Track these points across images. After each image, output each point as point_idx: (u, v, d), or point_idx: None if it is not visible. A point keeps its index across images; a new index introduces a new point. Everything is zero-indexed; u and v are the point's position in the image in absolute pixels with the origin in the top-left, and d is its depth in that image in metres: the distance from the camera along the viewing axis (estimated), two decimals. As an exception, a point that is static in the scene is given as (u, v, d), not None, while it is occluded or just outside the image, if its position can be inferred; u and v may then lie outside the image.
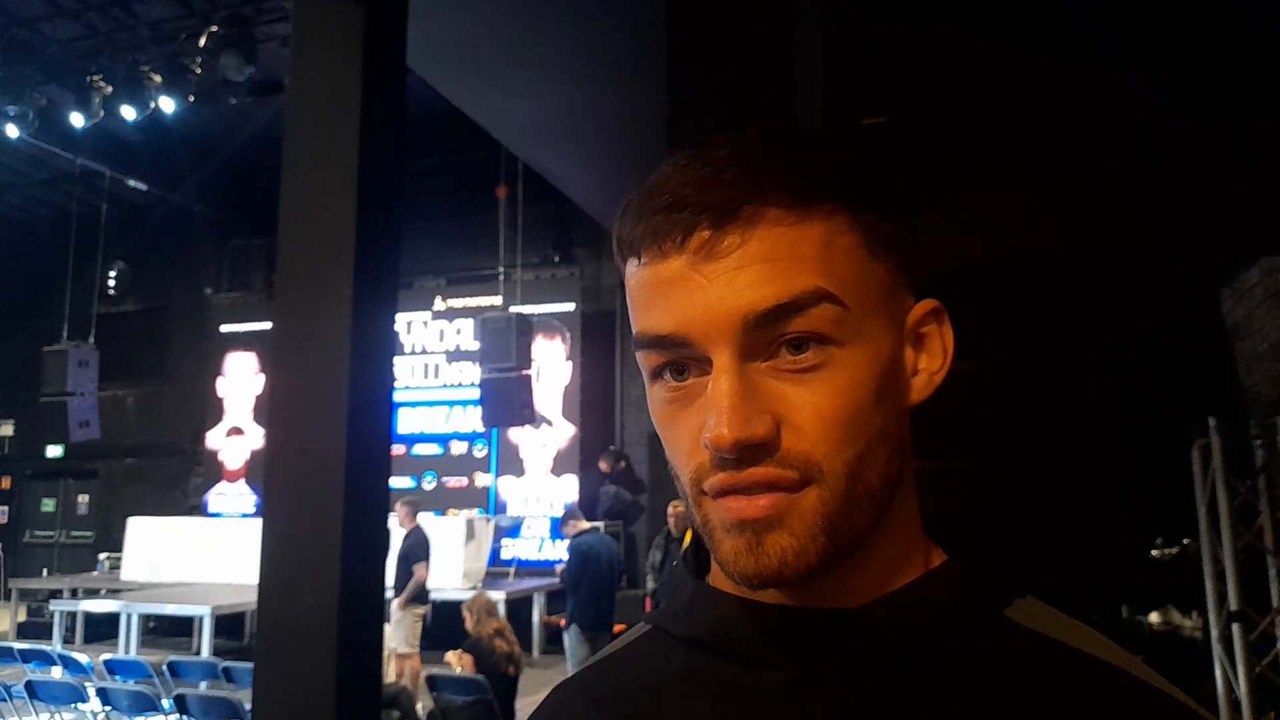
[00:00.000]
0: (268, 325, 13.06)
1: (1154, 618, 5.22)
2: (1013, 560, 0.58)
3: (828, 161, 0.55)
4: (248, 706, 4.75)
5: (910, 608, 0.55)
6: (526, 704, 6.05)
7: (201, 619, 8.98)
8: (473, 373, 10.82)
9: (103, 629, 10.31)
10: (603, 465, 11.47)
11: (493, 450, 11.98)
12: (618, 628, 7.13)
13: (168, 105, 9.07)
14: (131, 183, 12.58)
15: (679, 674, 0.59)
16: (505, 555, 11.27)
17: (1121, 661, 0.54)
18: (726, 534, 0.53)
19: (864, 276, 0.54)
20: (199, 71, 8.67)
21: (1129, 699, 0.52)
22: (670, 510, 7.47)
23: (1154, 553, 5.15)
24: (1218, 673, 4.61)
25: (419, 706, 5.98)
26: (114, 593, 10.28)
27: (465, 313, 12.24)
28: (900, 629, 0.54)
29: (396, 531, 7.07)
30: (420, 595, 7.33)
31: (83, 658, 6.59)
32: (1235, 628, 4.47)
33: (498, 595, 7.85)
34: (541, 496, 11.61)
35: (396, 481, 11.30)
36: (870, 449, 0.53)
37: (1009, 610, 0.57)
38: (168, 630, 10.86)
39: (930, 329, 0.59)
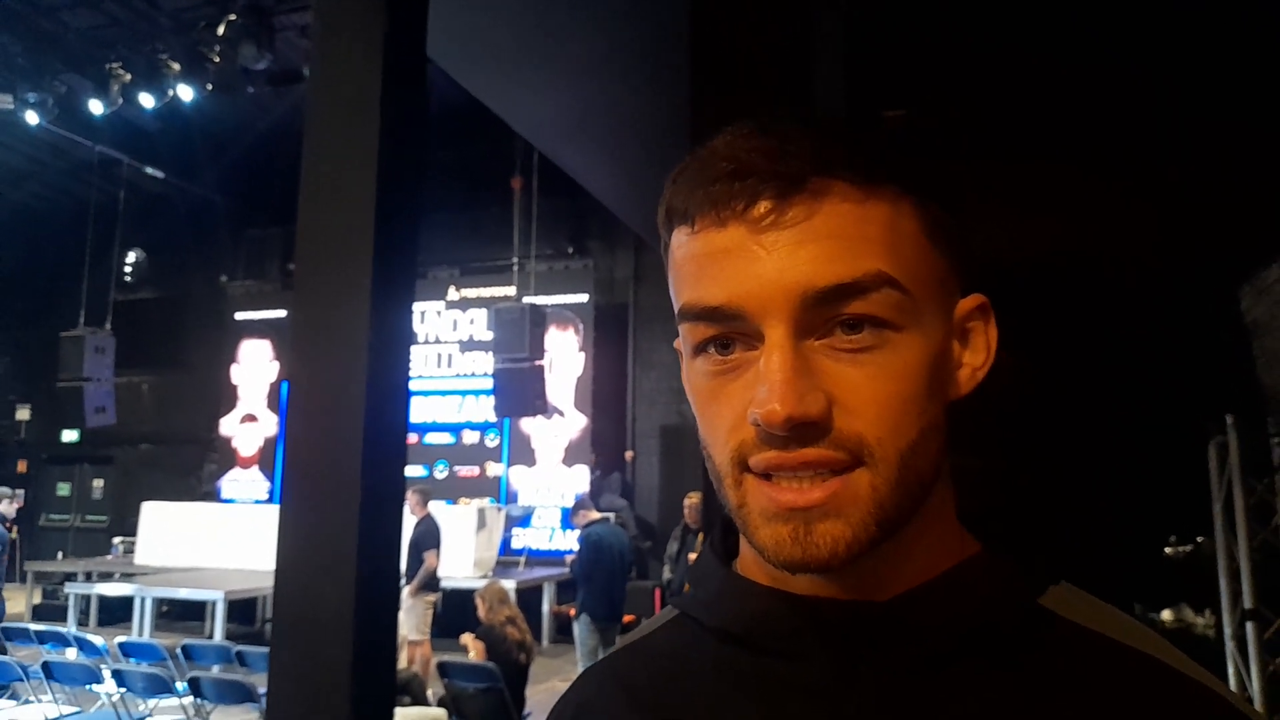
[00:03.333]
0: (282, 313, 13.17)
1: (1166, 615, 5.19)
2: (1045, 548, 0.58)
3: (896, 144, 0.54)
4: (261, 690, 4.80)
5: (945, 598, 0.54)
6: (537, 692, 6.09)
7: (214, 603, 9.06)
8: (486, 362, 10.85)
9: (116, 612, 10.41)
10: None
11: (504, 440, 12.01)
12: (628, 618, 7.16)
13: (186, 94, 9.13)
14: (149, 171, 12.66)
15: (711, 666, 0.58)
16: (516, 544, 11.31)
17: (1160, 651, 0.53)
18: (767, 521, 0.51)
19: (924, 264, 0.53)
20: (217, 60, 8.71)
21: (1168, 691, 0.51)
22: (686, 501, 7.48)
23: (1167, 550, 5.13)
24: (1230, 671, 4.60)
25: (430, 693, 6.02)
26: (128, 576, 10.37)
27: (479, 303, 12.27)
28: (936, 621, 0.53)
29: (408, 519, 7.11)
30: (431, 583, 7.37)
31: (97, 640, 6.65)
32: (1249, 626, 4.46)
33: (508, 584, 7.87)
34: (553, 486, 11.65)
35: (408, 470, 11.28)
36: (922, 437, 0.51)
37: (1044, 599, 0.56)
38: (180, 614, 10.95)
39: (976, 324, 0.58)
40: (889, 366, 0.51)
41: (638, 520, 11.18)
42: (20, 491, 8.22)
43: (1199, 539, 4.97)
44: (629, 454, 11.79)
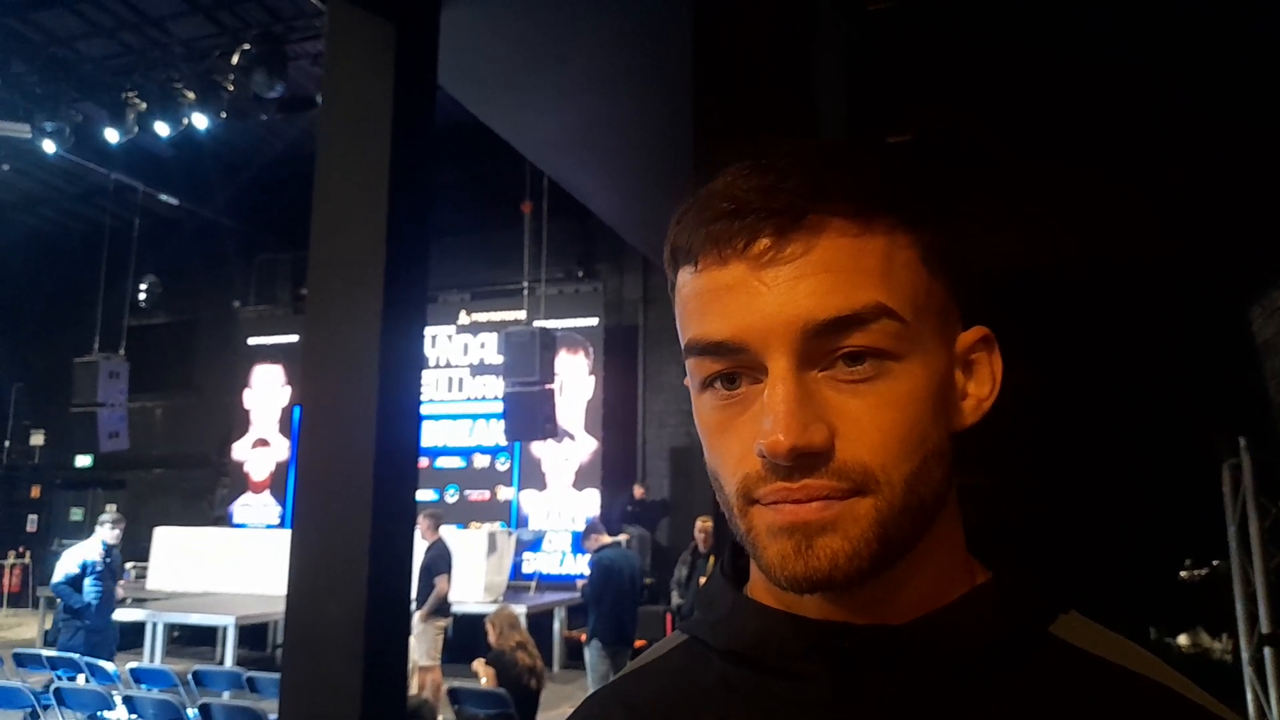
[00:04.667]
0: (294, 338, 13.23)
1: (1183, 640, 5.14)
2: (1055, 575, 0.58)
3: (891, 174, 0.55)
4: (272, 717, 4.78)
5: (955, 624, 0.54)
6: (548, 717, 6.04)
7: (225, 629, 9.04)
8: (496, 386, 10.87)
9: (128, 638, 10.38)
10: (638, 492, 11.47)
11: (515, 464, 12.01)
12: (639, 643, 7.12)
13: (200, 121, 9.23)
14: (163, 197, 12.78)
15: (717, 685, 0.58)
16: (526, 569, 11.28)
17: (1168, 679, 0.53)
18: (773, 538, 0.52)
19: (922, 293, 0.53)
20: (231, 88, 8.81)
21: (1175, 717, 0.51)
22: (698, 526, 7.45)
23: (1183, 574, 5.07)
24: (1249, 696, 4.53)
25: (440, 719, 5.99)
26: (140, 602, 10.37)
27: (489, 327, 12.31)
28: (945, 645, 0.53)
29: (418, 544, 7.10)
30: (442, 608, 7.35)
31: (109, 666, 6.64)
32: (1267, 651, 4.40)
33: (519, 609, 7.85)
34: (563, 510, 11.62)
35: (419, 494, 11.21)
36: (926, 465, 0.52)
37: (1053, 626, 0.56)
38: (191, 640, 10.93)
39: (980, 356, 0.58)
40: (890, 395, 0.52)
41: (650, 544, 11.13)
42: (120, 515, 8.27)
43: (1215, 562, 4.92)
44: (639, 490, 11.61)
